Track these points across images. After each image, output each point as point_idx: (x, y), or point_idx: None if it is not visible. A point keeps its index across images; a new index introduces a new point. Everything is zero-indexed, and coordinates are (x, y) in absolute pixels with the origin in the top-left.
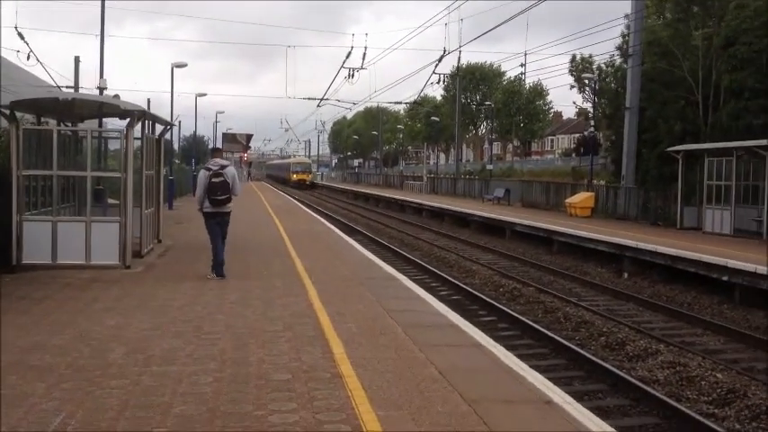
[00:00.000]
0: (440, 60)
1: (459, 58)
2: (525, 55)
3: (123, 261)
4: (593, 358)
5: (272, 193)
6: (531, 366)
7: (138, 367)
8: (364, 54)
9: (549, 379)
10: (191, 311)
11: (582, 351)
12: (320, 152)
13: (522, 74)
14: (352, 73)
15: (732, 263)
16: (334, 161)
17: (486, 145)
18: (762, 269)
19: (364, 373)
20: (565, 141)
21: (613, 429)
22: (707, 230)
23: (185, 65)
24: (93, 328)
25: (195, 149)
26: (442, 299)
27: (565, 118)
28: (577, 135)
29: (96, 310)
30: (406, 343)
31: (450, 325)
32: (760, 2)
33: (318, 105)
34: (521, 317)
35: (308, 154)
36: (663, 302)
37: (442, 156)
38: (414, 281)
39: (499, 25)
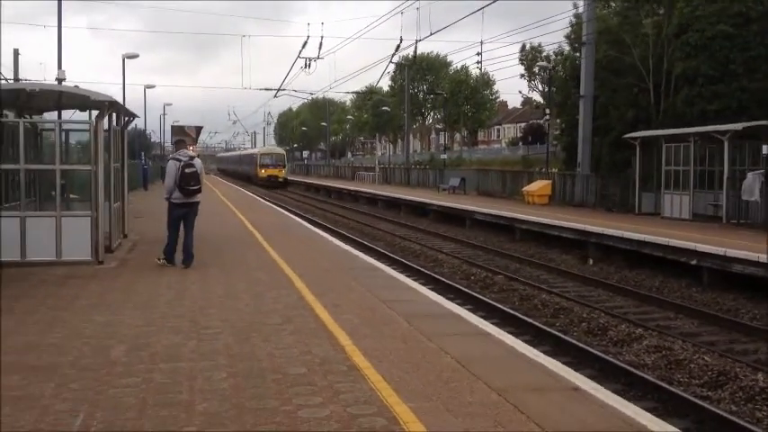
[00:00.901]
0: (396, 50)
1: (415, 48)
2: (482, 44)
3: (96, 257)
4: (579, 344)
5: (225, 186)
6: None
7: (144, 365)
8: (320, 44)
9: None
10: (180, 306)
11: (566, 337)
12: (266, 144)
13: (478, 62)
14: (308, 63)
15: (701, 247)
16: None
17: (434, 135)
18: (731, 252)
19: (380, 364)
20: (511, 131)
21: (644, 411)
22: (665, 215)
23: (137, 56)
24: (83, 325)
25: (140, 144)
26: None
27: (510, 107)
28: (523, 124)
29: (81, 306)
30: (412, 333)
31: (450, 314)
32: None
33: (275, 96)
34: (498, 305)
35: (253, 146)
36: (632, 287)
37: (390, 146)
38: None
39: (457, 21)
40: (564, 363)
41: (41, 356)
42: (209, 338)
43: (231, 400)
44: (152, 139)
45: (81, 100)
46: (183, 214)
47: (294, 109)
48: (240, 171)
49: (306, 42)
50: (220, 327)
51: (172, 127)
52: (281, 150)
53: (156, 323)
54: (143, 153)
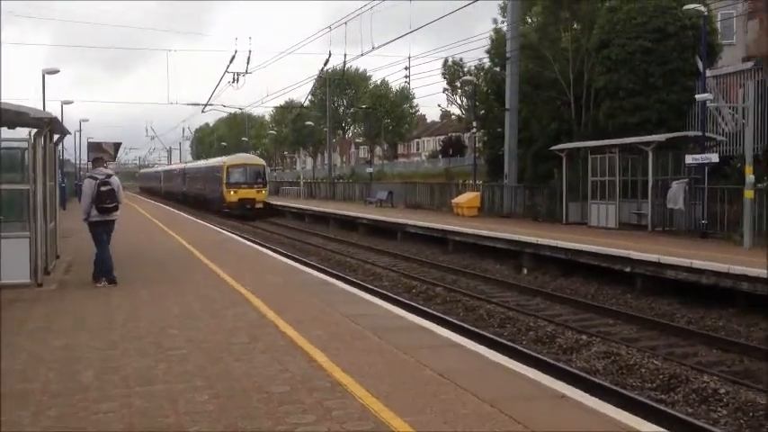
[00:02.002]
0: (325, 64)
1: (344, 62)
2: (409, 59)
3: (35, 279)
4: (531, 352)
5: (146, 204)
6: None
7: (119, 389)
8: (248, 59)
9: None
10: (137, 328)
11: (516, 346)
12: (183, 160)
13: (406, 77)
14: (236, 78)
15: (635, 254)
16: None
17: (353, 149)
18: (665, 259)
19: (363, 379)
20: (430, 144)
21: (634, 416)
22: (592, 225)
23: (57, 71)
24: (41, 350)
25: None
26: None
27: (429, 121)
28: (442, 137)
29: (33, 330)
30: (385, 347)
31: (417, 327)
32: (631, 5)
33: (203, 111)
34: (446, 317)
35: (169, 162)
36: (568, 295)
37: (310, 160)
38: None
39: (390, 42)
40: None
41: (7, 382)
42: (178, 360)
43: (221, 421)
44: (64, 156)
45: (18, 117)
46: (104, 231)
47: (211, 124)
48: (187, 192)
49: (234, 57)
50: (187, 347)
51: (89, 143)
52: (259, 161)
53: (119, 346)
54: (61, 170)
